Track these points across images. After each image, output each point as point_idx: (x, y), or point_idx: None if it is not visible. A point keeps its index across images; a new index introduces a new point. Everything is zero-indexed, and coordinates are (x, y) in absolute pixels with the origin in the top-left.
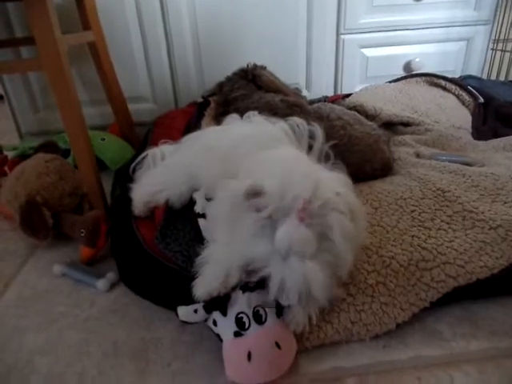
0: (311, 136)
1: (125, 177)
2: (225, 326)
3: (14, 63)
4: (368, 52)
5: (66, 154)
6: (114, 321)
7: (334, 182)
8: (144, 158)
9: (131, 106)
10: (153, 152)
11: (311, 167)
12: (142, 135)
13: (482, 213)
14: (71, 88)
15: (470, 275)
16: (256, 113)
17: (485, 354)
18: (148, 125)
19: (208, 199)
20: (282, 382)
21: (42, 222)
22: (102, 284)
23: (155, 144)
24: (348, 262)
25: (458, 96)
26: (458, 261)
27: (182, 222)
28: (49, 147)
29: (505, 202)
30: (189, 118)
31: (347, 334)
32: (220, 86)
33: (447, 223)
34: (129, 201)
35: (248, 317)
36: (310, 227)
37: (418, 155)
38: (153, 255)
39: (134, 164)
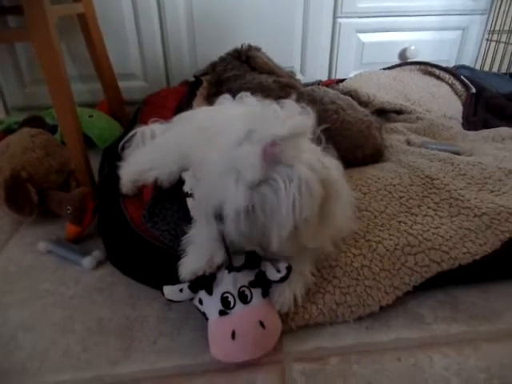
0: None
1: (113, 155)
2: (210, 304)
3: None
4: (364, 37)
5: (53, 130)
6: (99, 299)
7: (319, 153)
8: (133, 136)
9: (121, 84)
10: (142, 130)
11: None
12: (132, 114)
13: (468, 200)
14: (60, 61)
15: (454, 261)
16: (248, 94)
17: (464, 337)
18: (138, 103)
19: (197, 179)
20: (266, 360)
21: (26, 198)
22: (87, 262)
23: (145, 122)
24: (284, 228)
25: (451, 85)
26: (443, 247)
27: (170, 201)
28: (34, 122)
29: (491, 191)
30: (180, 97)
31: (332, 316)
32: (213, 65)
33: (434, 210)
34: (117, 179)
35: (233, 296)
36: (267, 164)
37: (408, 143)
38: (140, 234)
39: (122, 142)
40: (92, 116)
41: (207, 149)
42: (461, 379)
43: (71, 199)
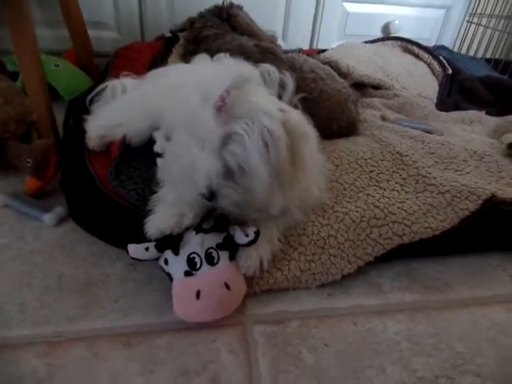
0: (281, 85)
1: (80, 108)
2: (176, 265)
3: None
4: (349, 7)
5: (13, 76)
6: (60, 256)
7: (273, 98)
8: (103, 89)
9: (91, 33)
10: (113, 84)
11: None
12: (102, 66)
13: (434, 178)
14: (23, 1)
15: (415, 235)
16: (227, 55)
17: (416, 305)
18: (109, 56)
19: (168, 139)
20: (228, 321)
21: None
22: (48, 218)
23: (116, 76)
24: (262, 178)
25: (429, 65)
26: (406, 221)
27: (138, 160)
28: None
29: (456, 170)
30: (155, 52)
31: (295, 282)
32: (191, 21)
33: (401, 185)
34: (83, 133)
35: (200, 257)
36: (225, 121)
37: (383, 119)
38: (105, 192)
39: (91, 95)
40: (58, 65)
41: (177, 110)
42: (410, 343)
43: (32, 151)
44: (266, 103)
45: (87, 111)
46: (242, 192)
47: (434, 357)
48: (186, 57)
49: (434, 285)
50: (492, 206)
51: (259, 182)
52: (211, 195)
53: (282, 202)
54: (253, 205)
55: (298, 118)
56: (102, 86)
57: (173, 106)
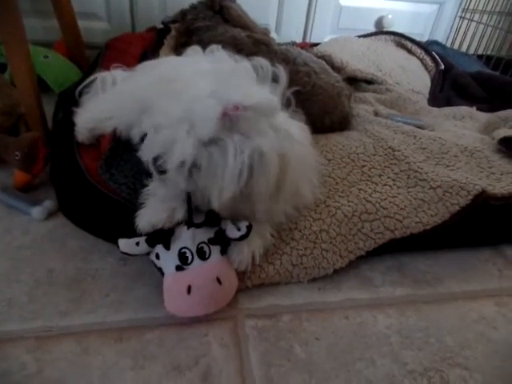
0: (274, 79)
1: (69, 100)
2: (167, 259)
3: None
4: (343, 1)
5: (1, 68)
6: (49, 250)
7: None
8: (93, 81)
9: (81, 23)
10: (103, 76)
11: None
12: (92, 57)
13: (426, 173)
14: None
15: (406, 229)
16: (219, 47)
17: (407, 299)
18: (99, 47)
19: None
20: (220, 315)
21: None
22: (37, 212)
23: (106, 68)
24: (224, 193)
25: (421, 60)
26: (398, 215)
27: (129, 153)
28: None
29: (447, 166)
30: (146, 44)
31: (287, 276)
32: (183, 13)
33: (393, 180)
34: (72, 126)
35: (191, 252)
36: (222, 126)
37: (376, 114)
38: (95, 185)
39: (81, 87)
40: (47, 57)
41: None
42: (400, 336)
43: (20, 144)
44: (274, 136)
45: (77, 103)
46: (192, 186)
47: (424, 350)
48: (178, 49)
49: (424, 279)
50: (482, 201)
51: (219, 193)
52: (159, 169)
53: (262, 210)
54: (198, 199)
55: (298, 150)
56: (91, 78)
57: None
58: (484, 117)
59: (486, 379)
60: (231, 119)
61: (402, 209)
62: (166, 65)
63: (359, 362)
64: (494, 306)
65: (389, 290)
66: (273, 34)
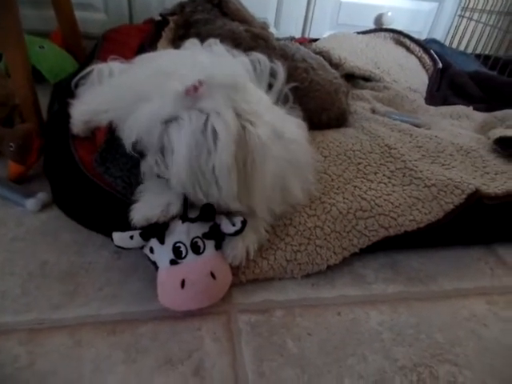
0: (272, 74)
1: (65, 92)
2: (161, 253)
3: None
4: None
5: None
6: (43, 243)
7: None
8: (89, 72)
9: (78, 14)
10: (100, 68)
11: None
12: (89, 49)
13: (421, 172)
14: None
15: (400, 227)
16: (218, 41)
17: (399, 296)
18: (96, 38)
19: None
20: (213, 310)
21: None
22: (31, 204)
23: (103, 59)
24: (180, 172)
25: (419, 58)
26: (392, 213)
27: (125, 147)
28: None
29: (442, 164)
30: (144, 36)
31: (281, 271)
32: (182, 5)
33: (388, 178)
34: (67, 118)
35: (186, 247)
36: (184, 102)
37: (373, 111)
38: (90, 178)
39: (77, 78)
40: (43, 47)
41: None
42: (392, 333)
43: (14, 135)
44: (229, 111)
45: (72, 95)
46: (163, 171)
47: (415, 346)
48: (176, 41)
49: (417, 276)
50: (476, 200)
51: (177, 173)
52: (140, 153)
53: (236, 202)
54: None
55: (267, 134)
56: (88, 70)
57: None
58: (480, 116)
59: (475, 376)
60: (192, 97)
61: (396, 207)
62: (164, 58)
63: (351, 357)
64: (485, 304)
65: (381, 287)
66: (272, 29)
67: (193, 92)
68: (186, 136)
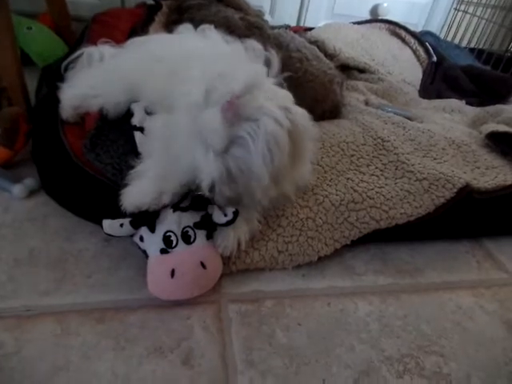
0: (266, 63)
1: (54, 75)
2: (151, 242)
3: None
4: None
5: None
6: (30, 229)
7: (283, 97)
8: (79, 56)
9: None
10: (90, 51)
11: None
12: (79, 31)
13: (413, 165)
14: None
15: (391, 220)
16: (212, 27)
17: (388, 288)
18: (87, 21)
19: (148, 113)
20: (203, 299)
21: None
22: (18, 190)
23: (93, 43)
24: (262, 181)
25: (414, 51)
26: (384, 206)
27: (115, 133)
28: None
29: (434, 158)
30: (136, 20)
31: (272, 262)
32: None
33: (381, 170)
34: (56, 102)
35: (176, 236)
36: (230, 125)
37: (367, 103)
38: (79, 165)
39: (66, 62)
40: (31, 28)
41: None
42: (379, 324)
43: (1, 119)
44: (275, 107)
45: (62, 79)
46: (237, 190)
47: (402, 337)
48: (169, 26)
49: (405, 269)
50: (466, 194)
51: (258, 183)
52: (210, 190)
53: (274, 194)
54: (246, 199)
55: (301, 114)
56: (78, 53)
57: (156, 79)
58: (472, 111)
59: (460, 367)
60: (234, 115)
61: (388, 199)
62: (155, 42)
63: (339, 347)
64: (471, 296)
65: (371, 279)
66: (267, 17)
67: (231, 112)
68: (255, 151)
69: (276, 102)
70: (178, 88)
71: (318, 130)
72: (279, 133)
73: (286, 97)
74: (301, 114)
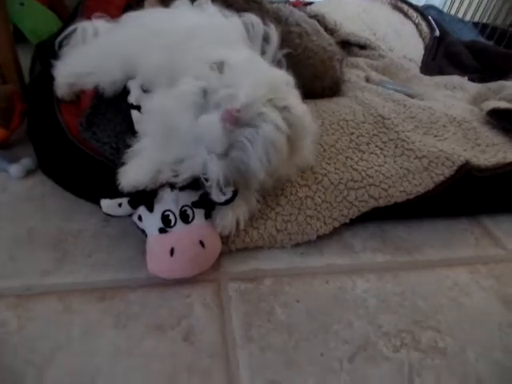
0: (265, 38)
1: (48, 52)
2: (150, 221)
3: None
4: None
5: None
6: (29, 209)
7: (283, 92)
8: (73, 32)
9: None
10: (84, 26)
11: (265, 71)
12: (72, 6)
13: (413, 143)
14: None
15: (390, 198)
16: (209, 1)
17: (386, 265)
18: None
19: (145, 90)
20: (203, 278)
21: None
22: (15, 169)
23: (88, 18)
24: (258, 177)
25: (417, 25)
26: (383, 184)
27: (112, 111)
28: None
29: (435, 136)
30: None
31: (271, 241)
32: None
33: (381, 149)
34: (51, 80)
35: (174, 215)
36: (230, 132)
37: (367, 80)
38: (76, 144)
39: (60, 38)
40: (23, 4)
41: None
42: (377, 300)
43: None
44: (272, 111)
45: (56, 56)
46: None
47: (398, 313)
48: (165, 0)
49: (404, 246)
50: (466, 172)
51: (255, 179)
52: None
53: (271, 183)
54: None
55: (301, 115)
56: (71, 29)
57: (154, 55)
58: (474, 87)
59: (455, 341)
60: (234, 122)
61: (387, 178)
62: (152, 17)
63: (337, 323)
64: (468, 273)
65: (369, 257)
66: None
67: (231, 120)
68: (253, 154)
69: (276, 102)
70: (177, 65)
71: (315, 106)
72: (278, 138)
73: (286, 90)
74: (301, 114)
